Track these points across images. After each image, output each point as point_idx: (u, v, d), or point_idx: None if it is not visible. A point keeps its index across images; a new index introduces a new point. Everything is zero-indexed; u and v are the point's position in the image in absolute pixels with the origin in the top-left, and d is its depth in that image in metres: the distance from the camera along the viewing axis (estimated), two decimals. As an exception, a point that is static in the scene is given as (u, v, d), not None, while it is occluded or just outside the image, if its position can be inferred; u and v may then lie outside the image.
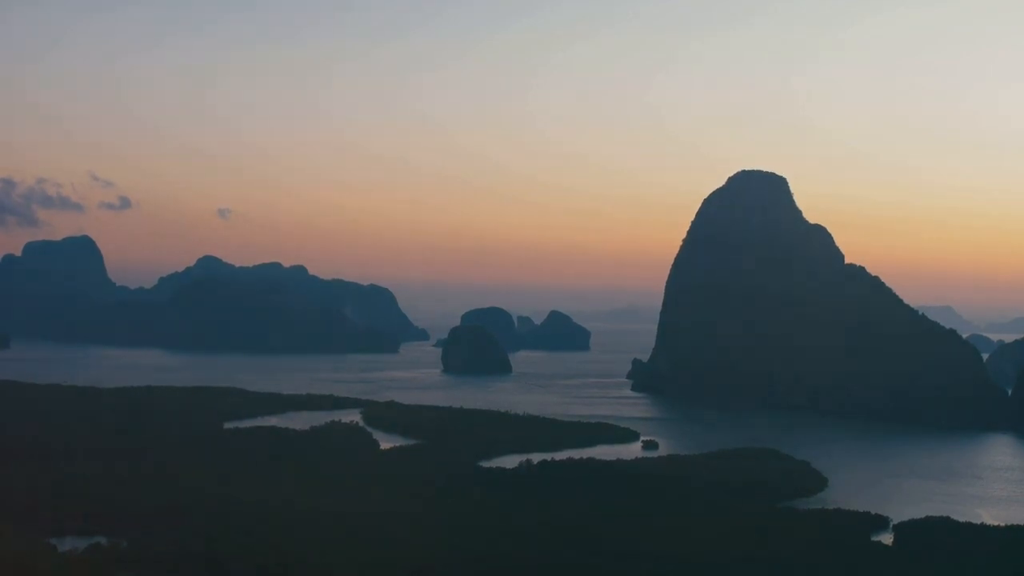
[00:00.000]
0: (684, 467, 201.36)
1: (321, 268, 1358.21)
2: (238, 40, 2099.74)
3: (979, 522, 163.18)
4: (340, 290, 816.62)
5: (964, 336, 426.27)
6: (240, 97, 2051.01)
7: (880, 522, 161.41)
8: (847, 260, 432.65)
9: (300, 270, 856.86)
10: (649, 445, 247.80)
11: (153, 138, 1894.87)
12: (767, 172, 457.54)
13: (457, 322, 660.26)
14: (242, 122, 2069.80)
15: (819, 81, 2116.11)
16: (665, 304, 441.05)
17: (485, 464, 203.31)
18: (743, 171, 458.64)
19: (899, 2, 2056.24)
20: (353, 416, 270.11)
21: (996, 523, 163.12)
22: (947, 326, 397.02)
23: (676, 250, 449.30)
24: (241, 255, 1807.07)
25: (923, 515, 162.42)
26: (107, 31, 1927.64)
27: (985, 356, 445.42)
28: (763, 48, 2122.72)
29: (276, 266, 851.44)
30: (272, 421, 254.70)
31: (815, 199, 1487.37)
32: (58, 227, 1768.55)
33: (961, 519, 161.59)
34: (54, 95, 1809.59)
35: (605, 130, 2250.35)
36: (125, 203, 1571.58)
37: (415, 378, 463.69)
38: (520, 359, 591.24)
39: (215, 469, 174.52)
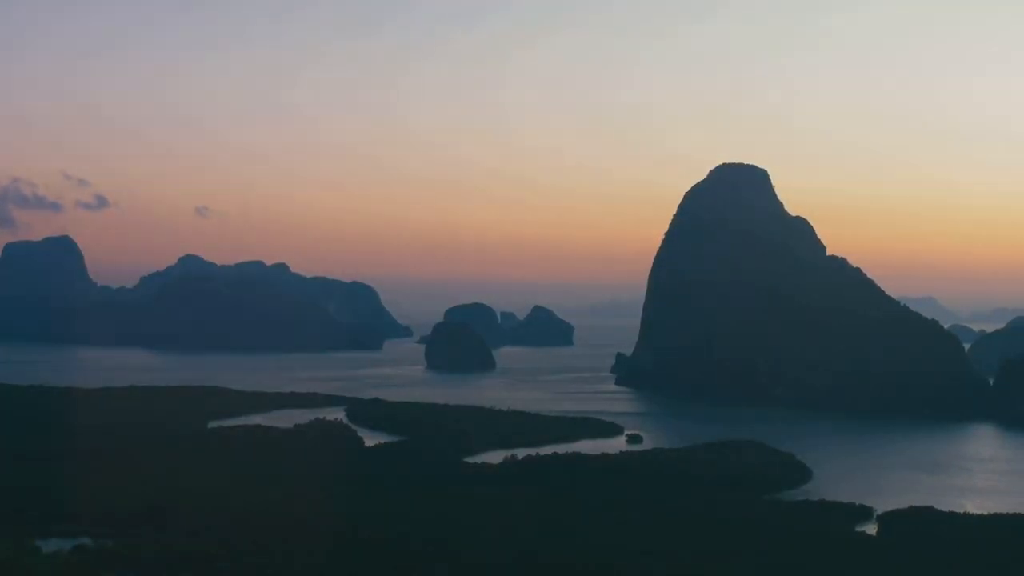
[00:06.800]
0: (668, 460, 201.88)
1: (303, 266, 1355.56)
2: (213, 38, 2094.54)
3: (962, 512, 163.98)
4: (323, 287, 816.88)
5: (946, 326, 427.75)
6: (214, 94, 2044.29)
7: (864, 512, 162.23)
8: (829, 252, 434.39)
9: (282, 268, 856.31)
10: (633, 439, 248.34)
11: (125, 136, 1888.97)
12: (748, 165, 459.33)
13: (441, 318, 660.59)
14: (217, 120, 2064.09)
15: (796, 74, 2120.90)
16: (648, 298, 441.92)
17: (470, 460, 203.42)
18: (724, 164, 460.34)
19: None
20: (337, 414, 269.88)
21: (980, 513, 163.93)
22: (929, 317, 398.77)
23: (658, 244, 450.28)
24: (222, 253, 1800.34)
25: (907, 505, 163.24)
26: (79, 29, 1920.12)
27: (967, 346, 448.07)
28: (739, 41, 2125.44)
29: (258, 264, 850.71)
30: (256, 420, 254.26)
31: (796, 192, 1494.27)
32: (36, 227, 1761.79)
33: (945, 509, 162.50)
34: (23, 93, 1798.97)
35: (583, 126, 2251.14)
36: (102, 202, 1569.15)
37: (399, 375, 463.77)
38: (504, 355, 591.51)
39: (200, 469, 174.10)
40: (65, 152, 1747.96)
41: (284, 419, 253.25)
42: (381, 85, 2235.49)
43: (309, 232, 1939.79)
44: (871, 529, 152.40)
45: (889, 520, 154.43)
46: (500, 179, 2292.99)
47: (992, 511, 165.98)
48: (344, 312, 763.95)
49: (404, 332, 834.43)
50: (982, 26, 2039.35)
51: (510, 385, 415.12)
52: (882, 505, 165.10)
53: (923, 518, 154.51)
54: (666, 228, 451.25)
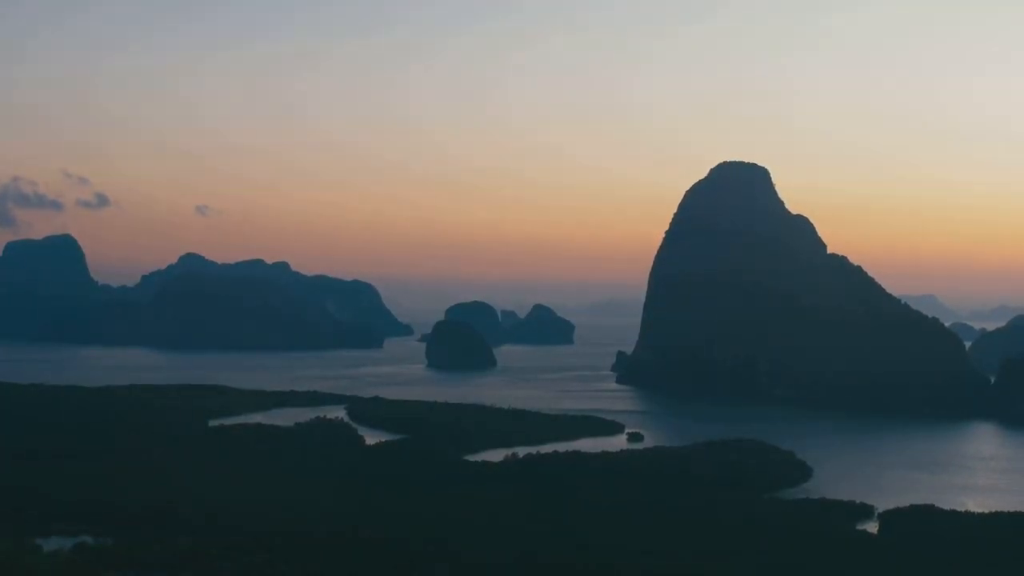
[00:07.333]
0: (669, 459, 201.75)
1: (304, 264, 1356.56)
2: (214, 37, 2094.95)
3: (963, 510, 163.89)
4: (323, 286, 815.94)
5: (947, 325, 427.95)
6: (214, 93, 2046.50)
7: (865, 511, 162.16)
8: (829, 250, 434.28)
9: (283, 266, 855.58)
10: (634, 437, 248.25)
11: (126, 134, 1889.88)
12: (749, 163, 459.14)
13: (441, 317, 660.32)
14: (218, 118, 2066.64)
15: (797, 73, 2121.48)
16: (648, 296, 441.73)
17: (471, 458, 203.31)
18: (725, 162, 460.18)
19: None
20: (338, 412, 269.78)
21: (981, 511, 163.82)
22: (930, 315, 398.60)
23: (659, 243, 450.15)
24: (222, 252, 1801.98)
25: (907, 504, 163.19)
26: (80, 28, 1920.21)
27: (968, 345, 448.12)
28: (739, 41, 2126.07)
29: (259, 263, 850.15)
30: (257, 418, 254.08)
31: (797, 191, 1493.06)
32: (37, 226, 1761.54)
33: (946, 507, 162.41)
34: (24, 91, 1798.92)
35: (584, 125, 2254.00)
36: (103, 201, 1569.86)
37: (400, 373, 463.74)
38: (504, 353, 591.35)
39: (200, 467, 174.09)
40: (65, 151, 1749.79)
41: (285, 417, 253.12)
42: (381, 84, 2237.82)
43: (309, 231, 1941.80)
44: (872, 527, 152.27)
45: (890, 518, 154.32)
46: (501, 178, 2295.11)
47: (993, 509, 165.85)
48: (344, 310, 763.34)
49: (405, 330, 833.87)
50: (982, 26, 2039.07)
51: (511, 383, 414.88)
52: (883, 503, 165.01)
53: (924, 516, 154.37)
54: (667, 227, 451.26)
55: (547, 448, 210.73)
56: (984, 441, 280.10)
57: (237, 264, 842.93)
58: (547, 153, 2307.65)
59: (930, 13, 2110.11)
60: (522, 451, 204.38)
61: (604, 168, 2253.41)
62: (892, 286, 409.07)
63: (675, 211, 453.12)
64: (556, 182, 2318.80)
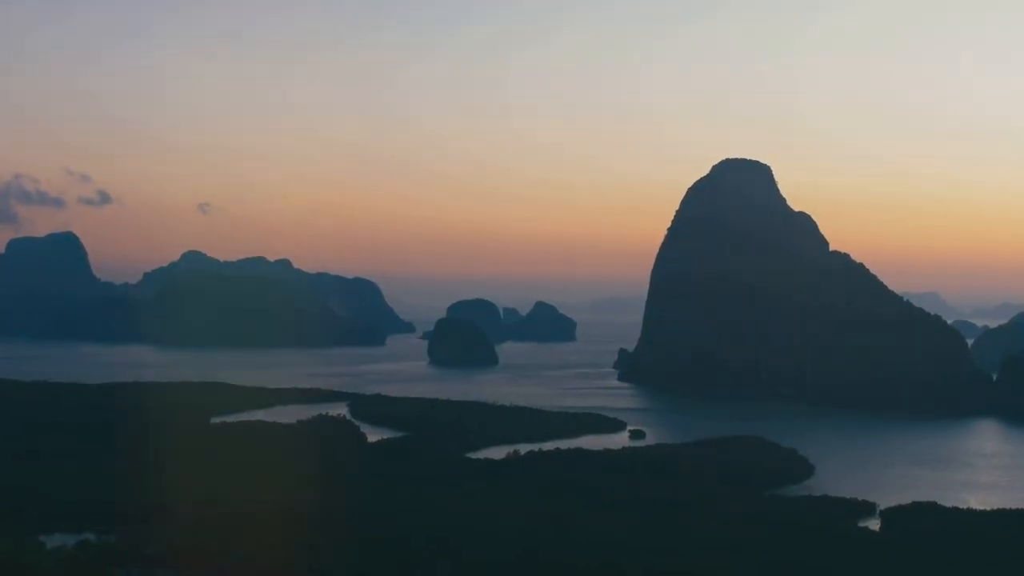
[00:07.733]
0: (671, 456, 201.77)
1: (306, 262, 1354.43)
2: (216, 34, 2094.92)
3: (965, 507, 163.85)
4: (325, 283, 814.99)
5: (949, 322, 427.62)
6: (216, 91, 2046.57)
7: (867, 508, 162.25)
8: (832, 247, 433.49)
9: (284, 264, 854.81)
10: (636, 434, 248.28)
11: (127, 132, 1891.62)
12: (751, 160, 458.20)
13: (443, 314, 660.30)
14: (219, 116, 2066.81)
15: (799, 70, 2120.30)
16: (650, 294, 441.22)
17: (473, 456, 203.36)
18: (727, 160, 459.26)
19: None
20: (340, 409, 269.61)
21: (982, 508, 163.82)
22: (932, 312, 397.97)
23: (661, 240, 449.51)
24: (224, 250, 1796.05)
25: (909, 501, 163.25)
26: (81, 26, 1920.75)
27: (970, 342, 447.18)
28: (741, 38, 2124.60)
29: (261, 260, 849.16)
30: (259, 415, 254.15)
31: (798, 188, 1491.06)
32: (39, 223, 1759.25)
33: (948, 504, 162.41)
34: (25, 89, 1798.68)
35: (586, 122, 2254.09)
36: (105, 198, 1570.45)
37: (402, 371, 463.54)
38: (507, 350, 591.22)
39: (202, 464, 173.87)
40: (67, 148, 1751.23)
41: (287, 415, 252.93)
42: (383, 82, 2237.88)
43: (311, 228, 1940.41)
44: (874, 525, 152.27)
45: (892, 516, 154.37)
46: (502, 176, 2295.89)
47: (995, 506, 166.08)
48: (346, 308, 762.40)
49: (406, 328, 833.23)
50: (982, 26, 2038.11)
51: (512, 381, 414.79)
52: (885, 501, 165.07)
53: (926, 513, 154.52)
54: (669, 224, 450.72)
55: (549, 445, 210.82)
56: (986, 438, 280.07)
57: (239, 262, 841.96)
58: (548, 151, 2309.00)
59: (931, 12, 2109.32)
60: (524, 448, 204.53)
61: (606, 166, 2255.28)
62: (894, 283, 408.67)
63: (677, 208, 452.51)
64: (558, 180, 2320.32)
